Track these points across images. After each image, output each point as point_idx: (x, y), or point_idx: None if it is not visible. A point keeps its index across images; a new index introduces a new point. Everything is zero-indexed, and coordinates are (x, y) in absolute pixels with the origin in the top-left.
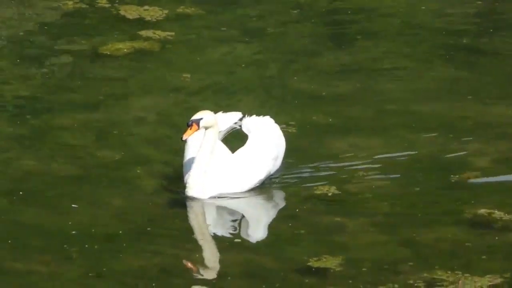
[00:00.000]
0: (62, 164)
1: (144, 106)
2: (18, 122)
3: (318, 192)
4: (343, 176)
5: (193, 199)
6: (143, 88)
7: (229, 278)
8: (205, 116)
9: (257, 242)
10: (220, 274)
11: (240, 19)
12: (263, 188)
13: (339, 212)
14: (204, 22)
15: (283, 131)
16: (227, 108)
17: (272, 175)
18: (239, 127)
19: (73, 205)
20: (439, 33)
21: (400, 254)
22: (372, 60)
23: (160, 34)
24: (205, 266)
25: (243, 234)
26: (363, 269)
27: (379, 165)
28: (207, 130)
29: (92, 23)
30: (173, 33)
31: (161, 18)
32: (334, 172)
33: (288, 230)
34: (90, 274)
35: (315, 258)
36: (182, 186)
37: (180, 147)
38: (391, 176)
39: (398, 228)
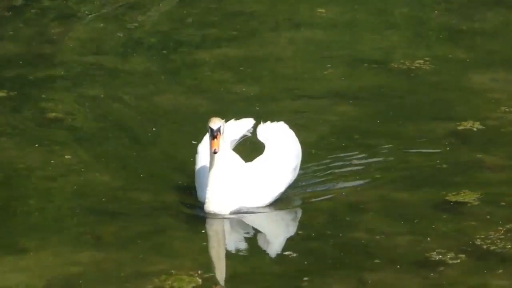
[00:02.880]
0: (200, 100)
1: (281, 41)
2: (154, 57)
3: (461, 127)
4: (485, 112)
5: (213, 215)
6: (280, 23)
7: None
8: (222, 123)
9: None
10: None
11: None
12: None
13: (479, 148)
14: None
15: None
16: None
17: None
18: (250, 134)
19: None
20: None
21: None
22: None
23: None
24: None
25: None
26: (502, 203)
27: None
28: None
29: None
30: None
31: None
32: (474, 109)
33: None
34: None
35: (453, 193)
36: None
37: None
38: None
39: None
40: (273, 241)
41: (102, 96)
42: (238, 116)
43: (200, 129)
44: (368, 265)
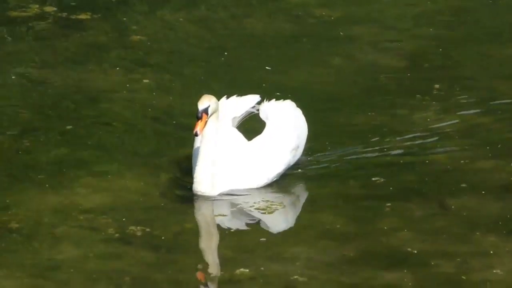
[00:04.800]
0: (282, 23)
1: None
2: None
3: None
4: None
5: (201, 196)
6: None
7: None
8: (211, 102)
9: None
10: None
11: None
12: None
13: None
14: None
15: None
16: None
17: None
18: (256, 111)
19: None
20: None
21: None
22: None
23: None
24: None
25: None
26: None
27: None
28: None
29: None
30: None
31: None
32: None
33: None
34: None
35: None
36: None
37: None
38: None
39: None
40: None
41: (181, 19)
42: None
43: (275, 54)
44: (451, 190)
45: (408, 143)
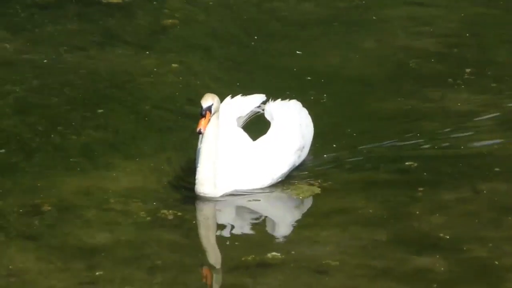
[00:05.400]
0: (313, 7)
1: None
2: None
3: None
4: None
5: (203, 197)
6: None
7: None
8: (214, 101)
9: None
10: None
11: None
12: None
13: None
14: None
15: None
16: None
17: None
18: (262, 111)
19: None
20: None
21: None
22: None
23: None
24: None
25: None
26: None
27: None
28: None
29: None
30: None
31: None
32: None
33: None
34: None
35: None
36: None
37: None
38: None
39: None
40: None
41: (211, 3)
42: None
43: (306, 39)
44: (483, 175)
45: (440, 127)
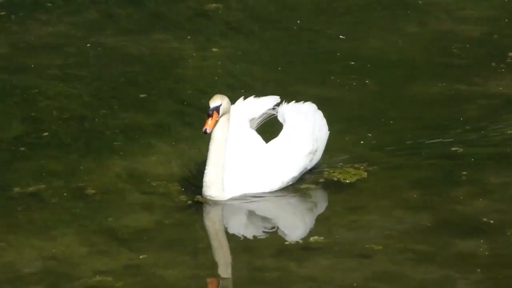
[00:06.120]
0: None
1: None
2: None
3: None
4: None
5: (211, 200)
6: None
7: None
8: (223, 102)
9: None
10: None
11: None
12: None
13: None
14: None
15: None
16: None
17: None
18: (276, 114)
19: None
20: None
21: None
22: None
23: None
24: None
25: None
26: None
27: None
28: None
29: None
30: None
31: None
32: None
33: None
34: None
35: None
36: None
37: None
38: None
39: None
40: None
41: None
42: None
43: (349, 22)
44: None
45: (484, 112)
